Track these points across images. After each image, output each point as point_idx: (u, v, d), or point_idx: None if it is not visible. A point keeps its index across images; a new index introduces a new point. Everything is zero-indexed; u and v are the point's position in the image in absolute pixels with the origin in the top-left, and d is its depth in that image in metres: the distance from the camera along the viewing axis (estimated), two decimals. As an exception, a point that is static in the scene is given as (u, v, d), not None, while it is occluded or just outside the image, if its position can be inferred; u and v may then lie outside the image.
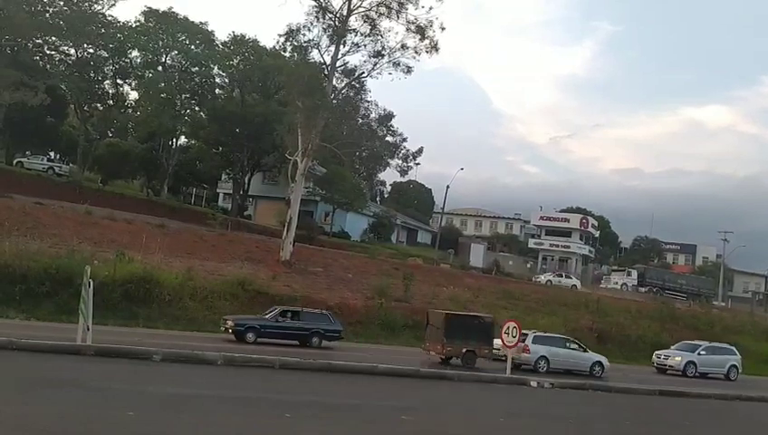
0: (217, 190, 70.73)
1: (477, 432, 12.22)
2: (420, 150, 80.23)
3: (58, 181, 50.36)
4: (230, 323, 23.84)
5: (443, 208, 76.28)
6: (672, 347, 32.93)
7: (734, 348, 33.32)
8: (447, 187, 68.88)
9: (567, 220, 78.63)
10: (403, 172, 79.91)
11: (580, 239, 77.66)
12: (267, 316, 24.79)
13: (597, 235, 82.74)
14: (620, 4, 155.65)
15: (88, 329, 17.31)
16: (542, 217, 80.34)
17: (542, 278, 57.48)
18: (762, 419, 19.98)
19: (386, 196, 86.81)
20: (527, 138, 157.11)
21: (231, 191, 63.87)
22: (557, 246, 76.32)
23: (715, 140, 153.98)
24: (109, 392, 12.42)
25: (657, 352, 32.54)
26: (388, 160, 78.98)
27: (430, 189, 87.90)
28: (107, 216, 38.58)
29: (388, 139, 77.98)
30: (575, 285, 55.44)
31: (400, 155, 78.88)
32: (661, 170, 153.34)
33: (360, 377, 18.74)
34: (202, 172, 65.25)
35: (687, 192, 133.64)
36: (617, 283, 63.69)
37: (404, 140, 78.20)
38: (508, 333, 22.18)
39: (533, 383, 20.75)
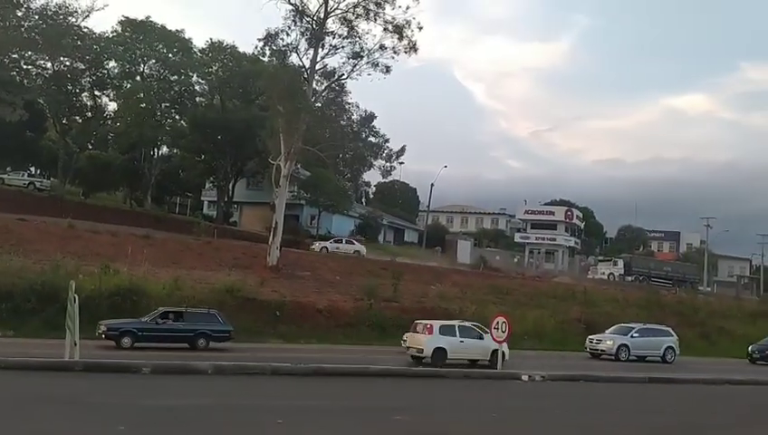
0: (202, 198, 70.41)
1: (470, 429, 12.29)
2: (403, 150, 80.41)
3: (39, 196, 49.96)
4: (103, 327, 22.57)
5: (428, 207, 76.50)
6: (606, 331, 32.22)
7: (670, 329, 32.70)
8: (432, 185, 69.16)
9: (552, 213, 79.05)
10: (386, 173, 80.00)
11: (566, 231, 78.10)
12: (146, 319, 23.57)
13: (582, 226, 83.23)
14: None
15: (75, 344, 17.20)
16: (527, 211, 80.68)
17: (317, 246, 49.31)
18: (749, 401, 20.20)
19: (371, 196, 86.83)
20: (510, 132, 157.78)
21: (215, 199, 63.62)
22: (543, 239, 76.71)
23: (694, 127, 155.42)
24: (98, 407, 12.35)
25: (590, 336, 31.83)
26: (372, 161, 79.03)
27: (415, 189, 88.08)
28: (90, 229, 38.31)
29: (371, 139, 78.03)
30: (358, 251, 49.61)
31: (383, 155, 78.95)
32: (642, 159, 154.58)
33: (352, 379, 18.75)
34: (185, 181, 64.95)
35: (669, 180, 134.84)
36: (604, 273, 64.12)
37: (386, 140, 78.33)
38: (497, 328, 22.28)
39: (525, 377, 20.85)
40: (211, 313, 24.85)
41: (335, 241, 52.11)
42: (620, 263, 65.70)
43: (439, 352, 22.91)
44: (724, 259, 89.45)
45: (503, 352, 22.73)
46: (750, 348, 35.04)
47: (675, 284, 62.79)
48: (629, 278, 62.76)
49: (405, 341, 24.72)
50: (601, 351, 30.35)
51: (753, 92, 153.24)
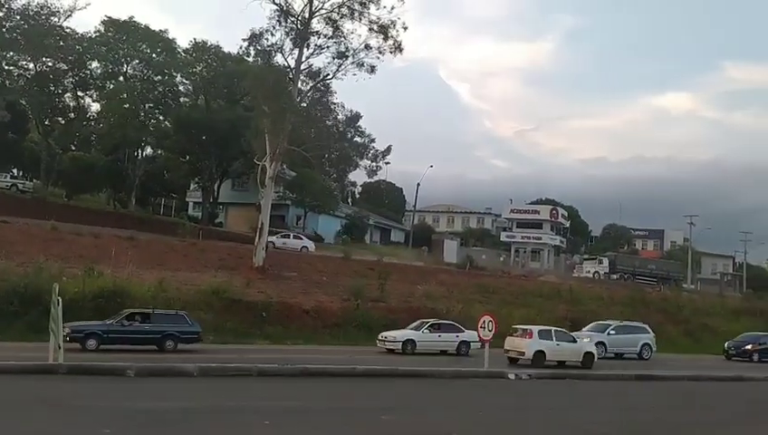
0: (187, 199, 69.96)
1: (457, 427, 12.29)
2: (389, 149, 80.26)
3: (22, 198, 49.37)
4: (67, 329, 21.36)
5: (414, 206, 76.59)
6: (584, 329, 32.11)
7: (646, 326, 32.69)
8: (418, 185, 69.25)
9: (537, 212, 79.43)
10: (372, 173, 79.85)
11: (551, 230, 78.49)
12: (111, 320, 23.06)
13: (567, 225, 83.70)
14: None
15: (59, 347, 17.03)
16: (512, 211, 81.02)
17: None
18: (736, 398, 20.39)
19: (357, 196, 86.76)
20: (495, 132, 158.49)
21: (201, 200, 63.25)
22: (529, 238, 77.06)
23: (677, 126, 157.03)
24: (83, 410, 12.23)
25: None
26: (358, 161, 78.92)
27: (401, 188, 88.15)
28: (74, 230, 37.97)
29: (357, 140, 77.93)
30: (306, 247, 48.28)
31: (369, 155, 78.86)
32: (626, 158, 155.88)
33: (340, 379, 18.72)
34: (170, 182, 64.53)
35: (652, 178, 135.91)
36: (589, 271, 64.45)
37: (372, 140, 78.25)
38: (484, 327, 22.34)
39: (511, 376, 20.92)
40: (179, 314, 24.45)
41: (282, 236, 50.04)
42: (605, 261, 66.08)
43: (539, 355, 24.68)
44: (707, 257, 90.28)
45: (593, 354, 25.74)
46: (726, 344, 35.33)
47: (659, 281, 63.27)
48: (614, 276, 63.15)
49: (507, 347, 25.78)
50: None
51: (735, 91, 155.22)
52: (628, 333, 31.52)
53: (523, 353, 24.85)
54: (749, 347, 34.66)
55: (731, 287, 77.11)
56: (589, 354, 25.59)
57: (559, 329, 27.01)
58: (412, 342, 27.22)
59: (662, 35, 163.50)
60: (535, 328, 25.85)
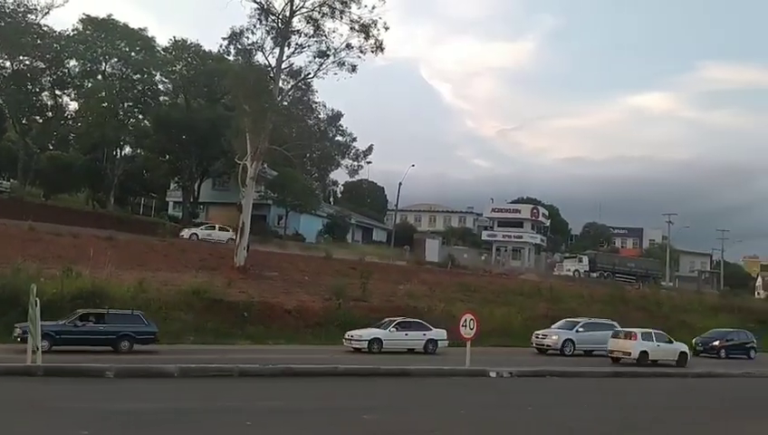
0: (167, 199, 69.41)
1: (438, 426, 12.33)
2: (370, 149, 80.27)
3: (-1, 198, 48.72)
4: (18, 330, 21.14)
5: (396, 206, 76.61)
6: (553, 326, 32.25)
7: (615, 323, 32.35)
8: (400, 184, 69.33)
9: (518, 211, 79.93)
10: (353, 172, 79.84)
11: (532, 229, 79.00)
12: (64, 321, 22.46)
13: (548, 223, 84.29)
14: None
15: (37, 349, 16.83)
16: (494, 210, 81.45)
17: (185, 233, 46.99)
18: (716, 394, 20.68)
19: (339, 196, 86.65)
20: (477, 132, 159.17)
21: (181, 199, 62.79)
22: (510, 236, 77.51)
23: (656, 125, 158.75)
24: (61, 412, 12.08)
25: (536, 331, 31.64)
26: (339, 161, 78.81)
27: (383, 188, 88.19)
28: (52, 231, 37.55)
29: (338, 139, 77.83)
30: (232, 238, 44.52)
31: (351, 154, 78.78)
32: (606, 157, 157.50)
33: (321, 379, 18.69)
34: (149, 181, 64.02)
35: (631, 177, 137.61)
36: (569, 270, 64.95)
37: (354, 139, 78.19)
38: (465, 326, 22.39)
39: (493, 374, 21.00)
40: (135, 314, 23.85)
41: (207, 227, 48.77)
42: (585, 259, 66.65)
43: (643, 355, 27.35)
44: (685, 255, 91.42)
45: (687, 354, 28.43)
46: (694, 341, 35.48)
47: (638, 279, 63.98)
48: (594, 274, 63.72)
49: (612, 348, 28.29)
50: (547, 346, 30.31)
51: (713, 91, 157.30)
52: (596, 330, 31.28)
53: (629, 353, 27.46)
54: (716, 343, 35.08)
55: (708, 285, 78.11)
56: (683, 354, 28.41)
57: (657, 332, 29.39)
58: (378, 340, 27.15)
59: (642, 36, 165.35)
60: (639, 331, 28.54)
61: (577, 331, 30.89)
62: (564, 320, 32.84)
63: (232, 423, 11.57)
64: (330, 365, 20.21)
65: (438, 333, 28.65)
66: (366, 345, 26.86)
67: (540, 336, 30.95)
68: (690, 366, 27.77)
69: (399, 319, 29.03)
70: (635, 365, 26.48)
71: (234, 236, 44.49)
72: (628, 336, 28.29)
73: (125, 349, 22.67)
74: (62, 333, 21.87)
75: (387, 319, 29.23)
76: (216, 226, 50.23)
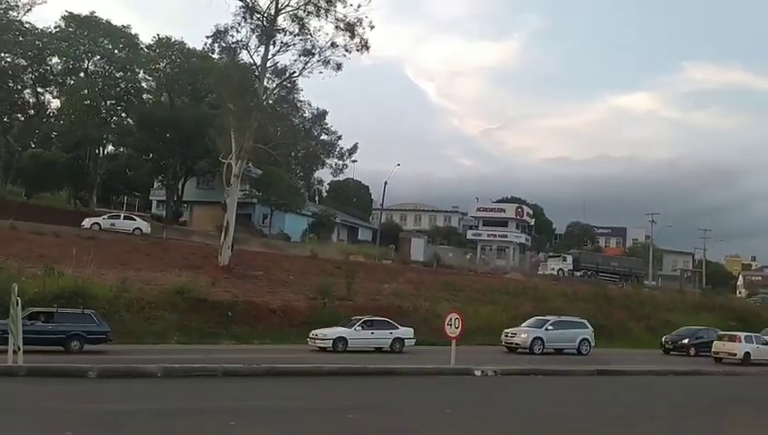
0: (150, 198, 68.91)
1: (423, 425, 12.34)
2: (355, 147, 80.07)
3: (-21, 197, 48.10)
4: None
5: (382, 205, 76.57)
6: (522, 324, 31.91)
7: (585, 321, 32.49)
8: (385, 183, 69.29)
9: (503, 210, 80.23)
10: (337, 171, 79.64)
11: (517, 228, 79.31)
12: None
13: (532, 223, 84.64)
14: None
15: (18, 349, 16.63)
16: (479, 209, 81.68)
17: (86, 223, 43.25)
18: (698, 391, 20.87)
19: (324, 195, 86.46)
20: (462, 131, 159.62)
21: (164, 198, 62.37)
22: (495, 236, 77.77)
23: (639, 125, 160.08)
24: (44, 413, 11.95)
25: (506, 330, 31.21)
26: (325, 159, 78.59)
27: (368, 186, 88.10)
28: (33, 230, 37.16)
29: (324, 137, 77.61)
30: (139, 229, 43.56)
31: (336, 153, 78.57)
32: (589, 157, 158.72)
33: (306, 378, 18.64)
34: (133, 180, 63.57)
35: (615, 177, 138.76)
36: (553, 268, 65.24)
37: (339, 137, 78.02)
38: (451, 324, 22.42)
39: (477, 372, 21.05)
40: (86, 313, 23.19)
41: (110, 217, 45.18)
42: (569, 259, 66.98)
43: (747, 355, 30.47)
44: (668, 254, 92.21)
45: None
46: (663, 339, 35.76)
47: (621, 278, 64.40)
48: (578, 273, 64.04)
49: (717, 350, 31.51)
50: (516, 344, 29.98)
51: (695, 92, 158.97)
52: (566, 328, 31.20)
53: (734, 354, 30.53)
54: (686, 341, 35.10)
55: (690, 283, 78.86)
56: None
57: (757, 334, 32.47)
58: (343, 339, 26.83)
59: (625, 36, 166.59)
60: (742, 334, 31.93)
61: (546, 329, 30.63)
62: (534, 318, 32.55)
63: (216, 424, 11.50)
64: (314, 365, 20.16)
65: (405, 332, 28.48)
66: (331, 344, 26.46)
67: (509, 335, 30.58)
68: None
69: (365, 317, 28.64)
70: (739, 365, 29.52)
71: (140, 226, 44.05)
72: (733, 339, 31.56)
73: (75, 349, 22.02)
74: (8, 333, 20.84)
75: (354, 318, 28.83)
76: (122, 214, 47.67)
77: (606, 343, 36.39)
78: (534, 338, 29.80)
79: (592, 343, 31.67)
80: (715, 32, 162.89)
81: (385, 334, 28.05)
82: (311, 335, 27.38)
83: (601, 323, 37.60)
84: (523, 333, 30.39)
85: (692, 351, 34.43)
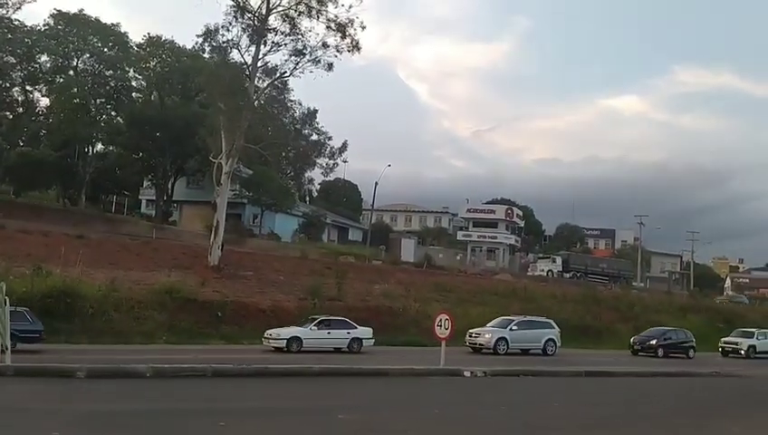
0: (140, 197, 68.64)
1: (413, 425, 12.36)
2: (345, 146, 79.87)
3: (-34, 195, 47.67)
4: None
5: (372, 205, 76.63)
6: (487, 324, 31.08)
7: (551, 321, 31.84)
8: (376, 183, 69.34)
9: (493, 212, 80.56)
10: (328, 171, 79.44)
11: (507, 229, 79.63)
12: None
13: (522, 224, 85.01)
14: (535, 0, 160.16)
15: (6, 349, 16.53)
16: (469, 210, 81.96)
17: None
18: (684, 392, 21.01)
19: (315, 195, 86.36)
20: (453, 132, 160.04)
21: (154, 198, 62.10)
22: (485, 237, 78.06)
23: (628, 128, 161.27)
24: (32, 413, 11.88)
25: (470, 330, 30.30)
26: (315, 159, 78.44)
27: (358, 187, 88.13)
28: (21, 229, 36.90)
29: (314, 137, 77.45)
30: None
31: (326, 153, 78.42)
32: (579, 159, 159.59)
33: (296, 379, 18.62)
34: (122, 179, 63.27)
35: (604, 179, 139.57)
36: (543, 270, 65.59)
37: (329, 137, 77.87)
38: (441, 325, 22.45)
39: (467, 373, 21.10)
40: (19, 310, 21.85)
41: None
42: (559, 260, 67.37)
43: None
44: (656, 256, 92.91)
45: None
46: (632, 340, 35.42)
47: (610, 280, 64.82)
48: (567, 275, 64.40)
49: None
50: (480, 344, 29.32)
51: (684, 94, 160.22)
52: (531, 328, 30.59)
53: None
54: (653, 342, 34.70)
55: (678, 285, 79.48)
56: None
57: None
58: (297, 339, 26.06)
59: (615, 39, 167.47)
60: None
61: (511, 329, 30.04)
62: (499, 318, 32.01)
63: (205, 424, 11.47)
64: (304, 365, 20.14)
65: (364, 332, 27.86)
66: (284, 344, 25.74)
67: (473, 335, 29.85)
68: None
69: (321, 317, 28.01)
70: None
71: None
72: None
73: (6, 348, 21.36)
74: None
75: (310, 317, 28.20)
76: None
77: (595, 344, 36.65)
78: (498, 338, 29.05)
79: (558, 344, 31.10)
80: (704, 35, 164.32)
81: (342, 334, 27.32)
82: (265, 335, 26.61)
83: (590, 324, 37.87)
84: (487, 334, 29.67)
85: (660, 352, 33.95)
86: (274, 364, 19.98)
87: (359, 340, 27.51)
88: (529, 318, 31.69)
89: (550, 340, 30.83)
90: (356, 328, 27.89)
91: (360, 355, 26.40)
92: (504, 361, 26.44)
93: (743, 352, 36.47)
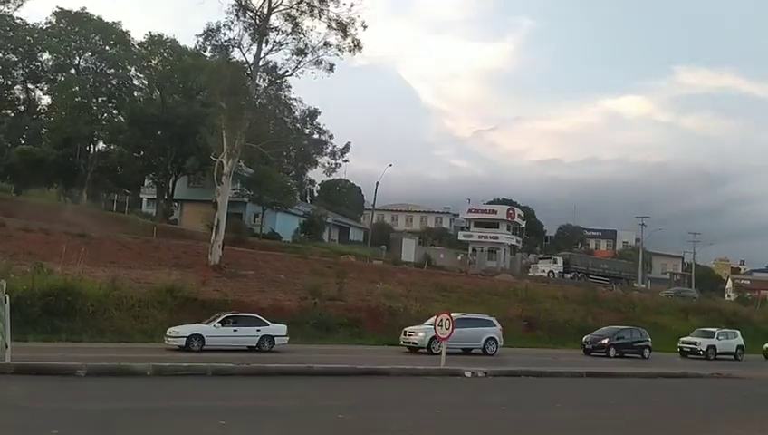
0: (141, 196, 68.63)
1: (413, 425, 12.34)
2: (347, 146, 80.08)
3: (-33, 193, 47.73)
4: None
5: (373, 205, 76.63)
6: (425, 322, 28.84)
7: (493, 320, 30.49)
8: (377, 183, 69.36)
9: (494, 212, 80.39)
10: (330, 170, 79.59)
11: (508, 230, 79.50)
12: None
13: (523, 225, 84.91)
14: (539, 1, 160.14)
15: (6, 346, 16.51)
16: (470, 210, 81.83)
17: None
18: (685, 394, 20.99)
19: (316, 195, 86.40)
20: (454, 132, 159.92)
21: (155, 196, 62.11)
22: (486, 237, 77.92)
23: (630, 129, 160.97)
24: (32, 411, 11.87)
25: (405, 328, 29.15)
26: (317, 159, 78.56)
27: (360, 187, 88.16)
28: (22, 227, 36.87)
29: (315, 136, 77.57)
30: None
31: (327, 152, 78.55)
32: (580, 160, 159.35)
33: (296, 379, 18.60)
34: (123, 178, 63.22)
35: (605, 180, 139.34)
36: (544, 270, 65.48)
37: (330, 137, 78.00)
38: (441, 325, 22.41)
39: (467, 373, 21.06)
40: None
41: None
42: (560, 261, 67.25)
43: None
44: (657, 257, 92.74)
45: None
46: (584, 339, 34.16)
47: (611, 281, 64.71)
48: (568, 275, 64.31)
49: None
50: (413, 343, 28.03)
51: (686, 96, 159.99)
52: (470, 326, 28.65)
53: None
54: (605, 341, 33.38)
55: (680, 287, 79.29)
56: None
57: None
58: (199, 337, 24.42)
59: (617, 40, 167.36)
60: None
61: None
62: (437, 316, 31.05)
63: (205, 423, 11.45)
64: (304, 365, 20.12)
65: (276, 329, 26.36)
66: (184, 342, 24.12)
67: (407, 333, 28.60)
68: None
69: (227, 313, 26.49)
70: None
71: None
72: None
73: None
74: None
75: (216, 314, 26.62)
76: None
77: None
78: (432, 337, 26.53)
79: (500, 343, 29.71)
80: (707, 36, 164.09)
81: (251, 332, 25.70)
82: (167, 333, 24.88)
83: (591, 324, 37.75)
84: (420, 332, 28.08)
85: (612, 351, 32.71)
86: (270, 363, 19.96)
87: (270, 338, 25.90)
88: (468, 316, 29.87)
89: (490, 338, 29.38)
90: (268, 325, 26.31)
91: (272, 354, 24.82)
92: (502, 361, 26.41)
93: (702, 352, 35.25)
